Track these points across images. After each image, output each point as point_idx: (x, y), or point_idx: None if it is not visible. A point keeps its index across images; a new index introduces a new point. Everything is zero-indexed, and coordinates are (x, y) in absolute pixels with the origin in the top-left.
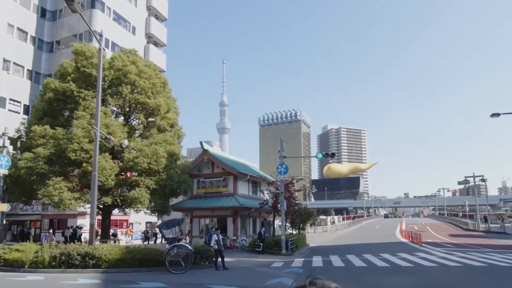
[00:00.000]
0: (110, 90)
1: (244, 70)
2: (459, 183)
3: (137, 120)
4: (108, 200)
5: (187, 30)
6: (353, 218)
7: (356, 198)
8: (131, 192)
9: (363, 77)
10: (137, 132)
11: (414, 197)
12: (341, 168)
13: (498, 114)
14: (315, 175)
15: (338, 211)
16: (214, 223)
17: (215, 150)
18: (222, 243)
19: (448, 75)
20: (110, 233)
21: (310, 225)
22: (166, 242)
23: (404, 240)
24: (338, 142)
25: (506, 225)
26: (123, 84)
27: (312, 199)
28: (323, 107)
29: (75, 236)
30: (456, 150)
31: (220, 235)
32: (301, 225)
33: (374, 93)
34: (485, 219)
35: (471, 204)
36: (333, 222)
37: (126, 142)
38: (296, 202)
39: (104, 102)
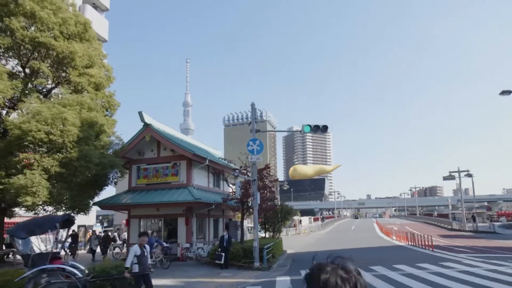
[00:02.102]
0: None
1: (209, 70)
2: (444, 178)
3: (41, 74)
4: None
5: (146, 29)
6: (323, 219)
7: (322, 200)
8: (16, 178)
9: (328, 80)
10: (44, 91)
11: (376, 198)
12: (306, 169)
13: (509, 92)
14: (280, 177)
15: (304, 213)
16: (160, 225)
17: (162, 126)
18: (148, 262)
19: (410, 80)
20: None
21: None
22: (25, 264)
23: (399, 242)
24: (303, 144)
25: (495, 224)
26: (13, 15)
27: (278, 201)
28: (289, 108)
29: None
30: (416, 152)
31: (146, 246)
32: (276, 226)
33: (338, 96)
34: (473, 219)
35: (437, 204)
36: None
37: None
38: (272, 196)
39: None
